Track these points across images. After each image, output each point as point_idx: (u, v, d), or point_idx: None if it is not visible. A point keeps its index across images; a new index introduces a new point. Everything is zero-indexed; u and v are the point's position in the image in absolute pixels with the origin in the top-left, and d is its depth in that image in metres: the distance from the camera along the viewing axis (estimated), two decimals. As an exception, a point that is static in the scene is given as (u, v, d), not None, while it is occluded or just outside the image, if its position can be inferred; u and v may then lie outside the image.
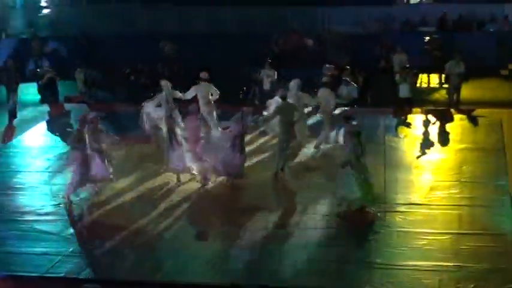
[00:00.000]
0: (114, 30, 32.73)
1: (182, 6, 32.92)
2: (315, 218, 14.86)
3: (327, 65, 21.78)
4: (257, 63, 25.24)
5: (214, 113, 19.55)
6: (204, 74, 19.94)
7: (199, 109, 18.48)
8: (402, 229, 14.13)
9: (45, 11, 35.38)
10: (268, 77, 24.14)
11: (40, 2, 35.84)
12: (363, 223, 14.52)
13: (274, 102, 18.70)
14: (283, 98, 17.79)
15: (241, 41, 29.29)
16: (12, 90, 23.89)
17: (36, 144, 20.87)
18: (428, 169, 17.82)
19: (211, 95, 19.74)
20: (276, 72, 24.20)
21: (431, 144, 19.92)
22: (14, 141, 21.40)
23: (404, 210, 15.14)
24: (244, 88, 25.52)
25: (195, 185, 16.91)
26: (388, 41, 27.93)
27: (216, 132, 18.08)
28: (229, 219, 14.98)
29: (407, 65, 24.13)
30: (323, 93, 19.49)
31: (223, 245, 13.77)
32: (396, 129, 21.32)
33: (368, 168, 15.03)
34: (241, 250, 13.45)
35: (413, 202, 15.56)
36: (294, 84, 19.21)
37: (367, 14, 31.00)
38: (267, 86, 24.21)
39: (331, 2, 31.62)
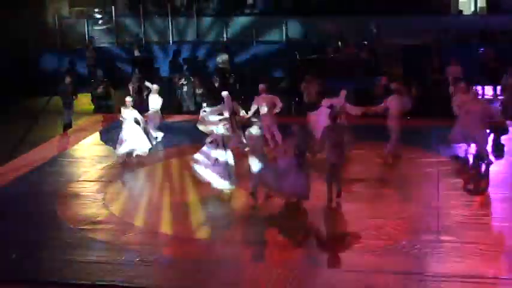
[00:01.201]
0: (171, 40, 33.12)
1: (235, 17, 33.18)
2: (366, 230, 14.81)
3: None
4: (309, 73, 25.35)
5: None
6: (155, 88, 21.93)
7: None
8: (454, 242, 13.96)
9: (100, 22, 35.87)
10: (311, 88, 24.27)
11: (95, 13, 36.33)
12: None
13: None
14: None
15: (293, 51, 29.41)
16: (68, 100, 24.21)
17: (90, 153, 21.06)
18: (482, 181, 17.62)
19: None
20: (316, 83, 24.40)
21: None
22: (69, 150, 21.65)
23: (457, 222, 14.99)
24: (297, 99, 25.57)
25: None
26: (442, 52, 27.72)
27: None
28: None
29: (461, 77, 23.90)
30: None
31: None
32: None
33: None
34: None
35: (466, 215, 15.39)
36: None
37: (421, 25, 30.77)
38: (312, 97, 24.34)
39: (385, 12, 31.52)
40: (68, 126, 24.19)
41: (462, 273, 12.60)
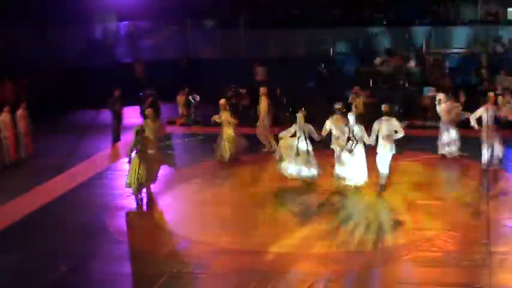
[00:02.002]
0: (216, 54, 33.26)
1: (282, 30, 33.20)
2: (416, 242, 14.68)
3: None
4: (357, 84, 25.37)
5: None
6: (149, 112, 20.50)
7: None
8: (506, 253, 13.75)
9: (149, 36, 36.11)
10: (358, 99, 24.33)
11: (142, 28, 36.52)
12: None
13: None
14: None
15: (340, 63, 29.36)
16: (116, 113, 24.38)
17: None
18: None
19: None
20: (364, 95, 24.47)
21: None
22: (117, 163, 21.80)
23: (508, 233, 14.86)
24: (344, 110, 25.45)
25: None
26: (491, 61, 27.47)
27: None
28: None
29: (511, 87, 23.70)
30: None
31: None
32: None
33: None
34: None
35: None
36: None
37: (470, 34, 30.53)
38: (360, 108, 24.42)
39: (433, 23, 31.36)
40: (116, 139, 24.35)
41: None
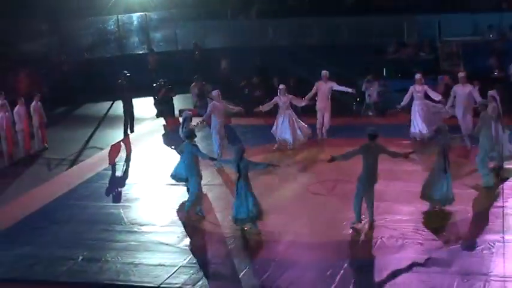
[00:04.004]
0: (229, 44, 33.19)
1: (295, 18, 33.07)
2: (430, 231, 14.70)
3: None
4: (370, 73, 25.35)
5: None
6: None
7: None
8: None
9: (162, 27, 36.06)
10: (372, 88, 24.36)
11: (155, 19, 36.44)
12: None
13: None
14: None
15: (354, 51, 29.15)
16: (128, 104, 24.40)
17: (152, 157, 21.15)
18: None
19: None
20: (377, 83, 24.51)
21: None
22: (131, 154, 21.85)
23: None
24: (358, 99, 25.44)
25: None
26: (505, 49, 27.29)
27: None
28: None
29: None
30: None
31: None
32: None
33: None
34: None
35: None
36: None
37: (485, 22, 30.28)
38: (373, 97, 24.47)
39: (447, 10, 31.13)
40: (128, 129, 24.36)
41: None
